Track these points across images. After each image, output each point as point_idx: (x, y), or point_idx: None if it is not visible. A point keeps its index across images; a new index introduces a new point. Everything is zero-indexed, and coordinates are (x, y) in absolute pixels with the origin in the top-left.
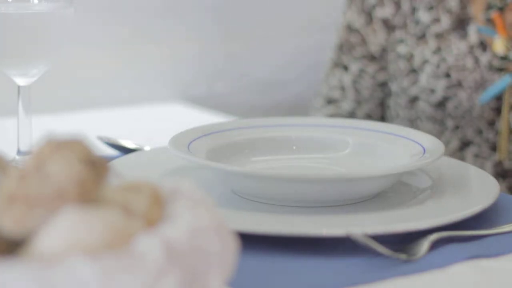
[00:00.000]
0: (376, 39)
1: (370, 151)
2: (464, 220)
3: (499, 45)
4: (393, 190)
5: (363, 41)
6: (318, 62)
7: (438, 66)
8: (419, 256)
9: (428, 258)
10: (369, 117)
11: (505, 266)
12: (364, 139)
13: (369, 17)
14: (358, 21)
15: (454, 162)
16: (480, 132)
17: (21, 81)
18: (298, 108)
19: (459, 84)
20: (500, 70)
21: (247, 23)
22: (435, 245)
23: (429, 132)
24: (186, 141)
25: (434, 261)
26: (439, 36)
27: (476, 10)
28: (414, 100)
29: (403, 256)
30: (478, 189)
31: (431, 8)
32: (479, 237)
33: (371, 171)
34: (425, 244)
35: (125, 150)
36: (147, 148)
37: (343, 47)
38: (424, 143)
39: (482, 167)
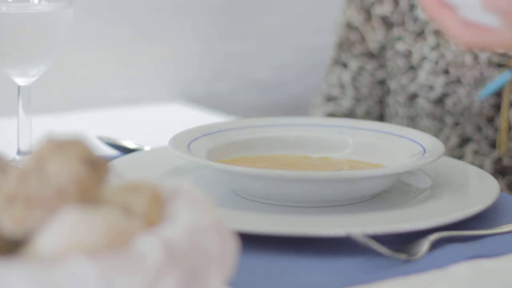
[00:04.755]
0: (375, 36)
1: (370, 151)
2: (464, 220)
3: None
4: (393, 190)
5: (362, 39)
6: (318, 63)
7: (436, 62)
8: (419, 256)
9: (428, 258)
10: (368, 114)
11: (505, 266)
12: (364, 139)
13: (368, 14)
14: (357, 18)
15: (454, 162)
16: (479, 128)
17: (21, 81)
18: (298, 108)
19: (458, 81)
20: (500, 66)
21: (247, 24)
22: (435, 245)
23: (428, 129)
24: (186, 141)
25: (434, 261)
26: (437, 32)
27: None
28: (413, 97)
29: (403, 256)
30: (478, 189)
31: None
32: (479, 237)
33: (371, 171)
34: (425, 244)
35: (125, 150)
36: (147, 148)
37: (343, 45)
38: (424, 143)
39: (481, 164)
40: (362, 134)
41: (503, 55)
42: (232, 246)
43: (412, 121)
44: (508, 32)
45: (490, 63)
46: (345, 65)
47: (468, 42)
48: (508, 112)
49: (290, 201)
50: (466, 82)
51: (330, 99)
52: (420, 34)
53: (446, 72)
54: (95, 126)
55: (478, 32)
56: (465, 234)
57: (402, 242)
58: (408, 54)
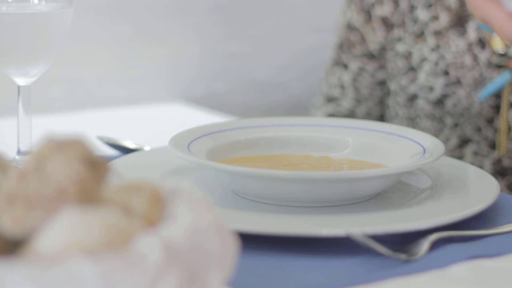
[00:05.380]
0: (375, 37)
1: (370, 151)
2: (464, 220)
3: (498, 42)
4: (393, 190)
5: (363, 40)
6: (318, 62)
7: (436, 63)
8: (419, 256)
9: (428, 258)
10: (368, 115)
11: (505, 266)
12: (364, 139)
13: (368, 15)
14: (357, 19)
15: (454, 162)
16: (479, 129)
17: (21, 81)
18: (298, 108)
19: (458, 82)
20: (499, 67)
21: (247, 24)
22: (435, 245)
23: (428, 130)
24: (186, 141)
25: (434, 261)
26: (437, 33)
27: None
28: (413, 98)
29: (403, 256)
30: (478, 189)
31: (429, 5)
32: (479, 237)
33: (371, 171)
34: (425, 244)
35: (125, 150)
36: (147, 148)
37: (343, 46)
38: (424, 143)
39: (481, 164)
40: (362, 134)
41: (503, 56)
42: (232, 246)
43: (412, 122)
44: None
45: (489, 64)
46: (345, 66)
47: None
48: (508, 113)
49: (290, 201)
50: (465, 83)
51: (330, 100)
52: (420, 35)
53: (446, 73)
54: (95, 126)
55: None
56: (465, 234)
57: (402, 242)
58: (408, 55)
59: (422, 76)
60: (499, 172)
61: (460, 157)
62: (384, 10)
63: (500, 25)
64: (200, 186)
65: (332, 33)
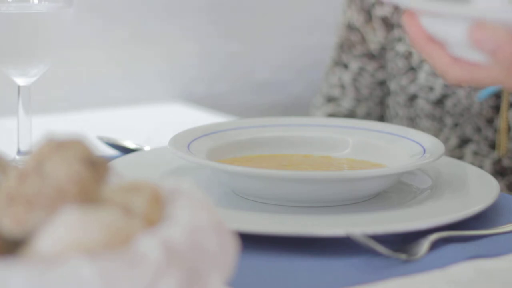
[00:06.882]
0: (376, 37)
1: (370, 151)
2: (464, 220)
3: None
4: (393, 190)
5: (363, 40)
6: (318, 62)
7: None
8: (419, 256)
9: (428, 258)
10: (368, 115)
11: (505, 266)
12: (364, 139)
13: (368, 15)
14: (358, 19)
15: (454, 162)
16: (479, 129)
17: (21, 81)
18: (297, 108)
19: None
20: None
21: (246, 23)
22: (435, 245)
23: (428, 130)
24: (186, 141)
25: (434, 261)
26: None
27: None
28: (413, 98)
29: (403, 256)
30: (478, 189)
31: None
32: (479, 237)
33: (371, 171)
34: (425, 244)
35: (125, 150)
36: (147, 148)
37: (343, 46)
38: (424, 143)
39: (481, 164)
40: (362, 134)
41: None
42: (232, 246)
43: (412, 122)
44: (495, 68)
45: None
46: (345, 66)
47: (457, 77)
48: (508, 113)
49: (290, 201)
50: None
51: (330, 99)
52: None
53: None
54: (95, 126)
55: (466, 67)
56: (465, 234)
57: (402, 242)
58: (408, 55)
59: (422, 76)
60: (499, 172)
61: (460, 157)
62: (384, 10)
63: (442, 68)
64: (200, 186)
65: (332, 33)
